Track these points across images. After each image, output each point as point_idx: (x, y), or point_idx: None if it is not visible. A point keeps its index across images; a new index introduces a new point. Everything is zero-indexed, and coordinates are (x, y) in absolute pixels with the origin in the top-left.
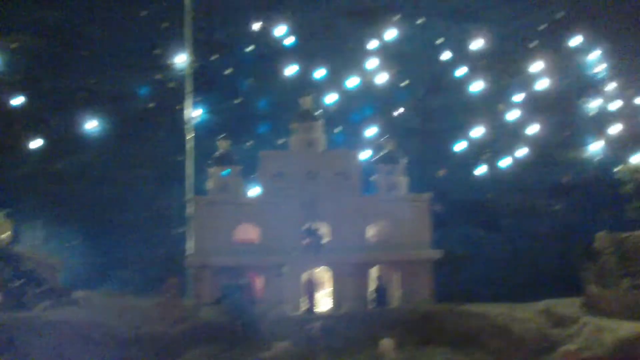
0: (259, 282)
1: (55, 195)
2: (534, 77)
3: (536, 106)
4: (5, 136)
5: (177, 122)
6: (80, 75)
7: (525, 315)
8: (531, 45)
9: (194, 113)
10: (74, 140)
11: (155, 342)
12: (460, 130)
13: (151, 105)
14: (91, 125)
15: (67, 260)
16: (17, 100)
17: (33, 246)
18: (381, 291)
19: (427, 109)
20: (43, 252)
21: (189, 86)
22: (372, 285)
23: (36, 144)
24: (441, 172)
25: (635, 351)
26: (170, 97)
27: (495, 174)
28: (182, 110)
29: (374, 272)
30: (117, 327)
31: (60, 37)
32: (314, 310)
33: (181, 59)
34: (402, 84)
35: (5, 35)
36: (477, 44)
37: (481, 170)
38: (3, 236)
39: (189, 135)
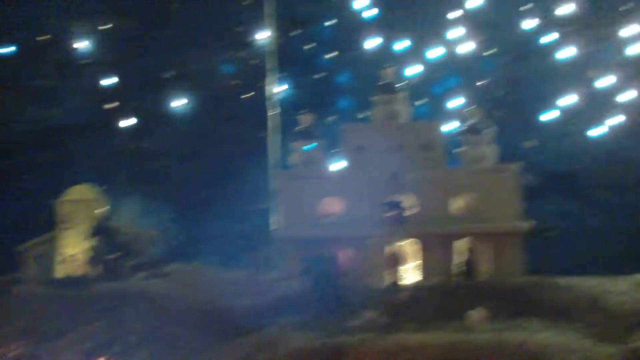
0: (343, 255)
1: (147, 172)
2: (628, 42)
3: (631, 72)
4: (99, 116)
5: (260, 98)
6: (167, 54)
7: (620, 288)
8: (624, 7)
9: (277, 89)
10: (163, 118)
11: (243, 313)
12: (550, 99)
13: (235, 82)
14: (179, 103)
15: (160, 234)
16: (109, 81)
17: (128, 220)
18: (468, 264)
19: (514, 78)
20: (137, 226)
21: (271, 62)
22: (458, 258)
23: (128, 122)
24: (530, 143)
25: None
26: (254, 74)
27: (588, 144)
28: (264, 86)
29: (460, 245)
30: (207, 299)
31: (147, 18)
32: (399, 283)
33: (263, 36)
34: (488, 53)
35: (97, 18)
36: (566, 9)
37: (573, 140)
38: (99, 211)
39: (272, 111)
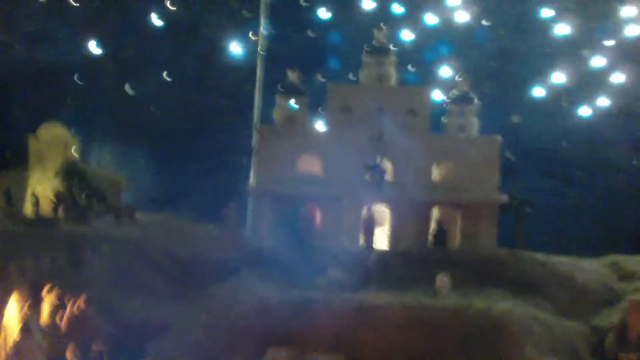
0: (318, 214)
1: (125, 117)
2: (624, 23)
3: (624, 54)
4: (82, 58)
5: (249, 51)
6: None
7: (590, 267)
8: None
9: (266, 43)
10: (147, 64)
11: (211, 265)
12: (540, 75)
13: (225, 33)
14: (165, 52)
15: (132, 181)
16: (95, 24)
17: (99, 164)
18: (441, 232)
19: (507, 51)
20: (109, 171)
21: (263, 15)
22: (433, 226)
23: (109, 62)
24: (516, 118)
25: None
26: (244, 26)
27: (573, 124)
28: (255, 39)
29: (436, 212)
30: (176, 249)
31: None
32: (371, 246)
33: None
34: (483, 23)
35: None
36: None
37: (558, 118)
38: (70, 152)
39: (259, 64)
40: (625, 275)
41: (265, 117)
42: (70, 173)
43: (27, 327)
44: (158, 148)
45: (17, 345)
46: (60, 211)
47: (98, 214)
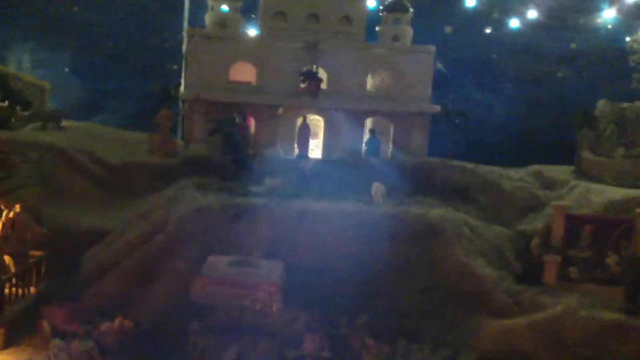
0: (252, 123)
1: (49, 17)
2: None
3: None
4: None
5: None
6: None
7: (516, 176)
8: None
9: None
10: None
11: (143, 171)
12: None
13: None
14: None
15: (58, 87)
16: None
17: (22, 68)
18: (374, 141)
19: None
20: (32, 75)
21: None
22: (367, 136)
23: None
24: (448, 29)
25: (623, 212)
26: None
27: (502, 35)
28: None
29: (370, 122)
30: (107, 156)
31: None
32: (306, 155)
33: None
34: None
35: None
36: None
37: (488, 29)
38: None
39: None
40: (549, 184)
41: (197, 21)
42: None
43: None
44: (83, 51)
45: None
46: None
47: (21, 120)
